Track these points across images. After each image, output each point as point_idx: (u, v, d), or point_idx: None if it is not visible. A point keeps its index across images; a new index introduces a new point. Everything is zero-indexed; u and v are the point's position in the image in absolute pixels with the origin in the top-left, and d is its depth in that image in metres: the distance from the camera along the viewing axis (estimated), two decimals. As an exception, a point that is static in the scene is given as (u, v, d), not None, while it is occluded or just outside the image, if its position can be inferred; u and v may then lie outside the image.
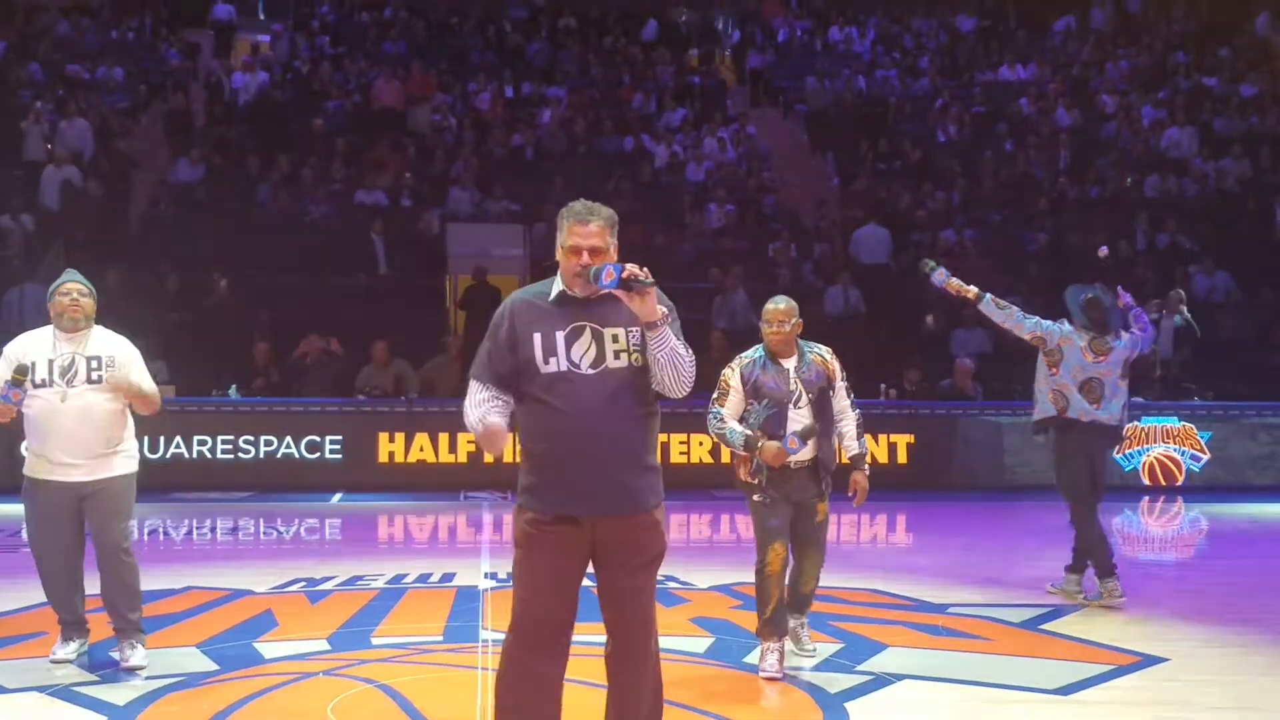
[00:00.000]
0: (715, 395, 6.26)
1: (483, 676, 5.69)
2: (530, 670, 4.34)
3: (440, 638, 6.96)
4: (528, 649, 4.33)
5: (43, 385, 5.94)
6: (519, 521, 4.37)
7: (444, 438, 13.91)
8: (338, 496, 13.39)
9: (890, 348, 16.34)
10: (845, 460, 6.42)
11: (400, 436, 14.01)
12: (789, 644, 6.35)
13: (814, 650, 6.52)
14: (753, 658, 6.40)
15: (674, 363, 4.26)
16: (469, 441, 13.58)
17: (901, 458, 14.51)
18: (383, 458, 14.00)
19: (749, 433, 6.08)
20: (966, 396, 15.20)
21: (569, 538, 4.30)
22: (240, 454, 13.77)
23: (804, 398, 6.13)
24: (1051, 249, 18.98)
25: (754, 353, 6.27)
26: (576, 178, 18.83)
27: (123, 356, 6.13)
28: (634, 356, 4.30)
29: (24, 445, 6.10)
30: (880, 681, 6.03)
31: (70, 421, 5.92)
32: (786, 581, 6.25)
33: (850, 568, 9.08)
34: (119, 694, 5.73)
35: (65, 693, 5.73)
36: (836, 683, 6.04)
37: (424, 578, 8.75)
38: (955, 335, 16.70)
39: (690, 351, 4.32)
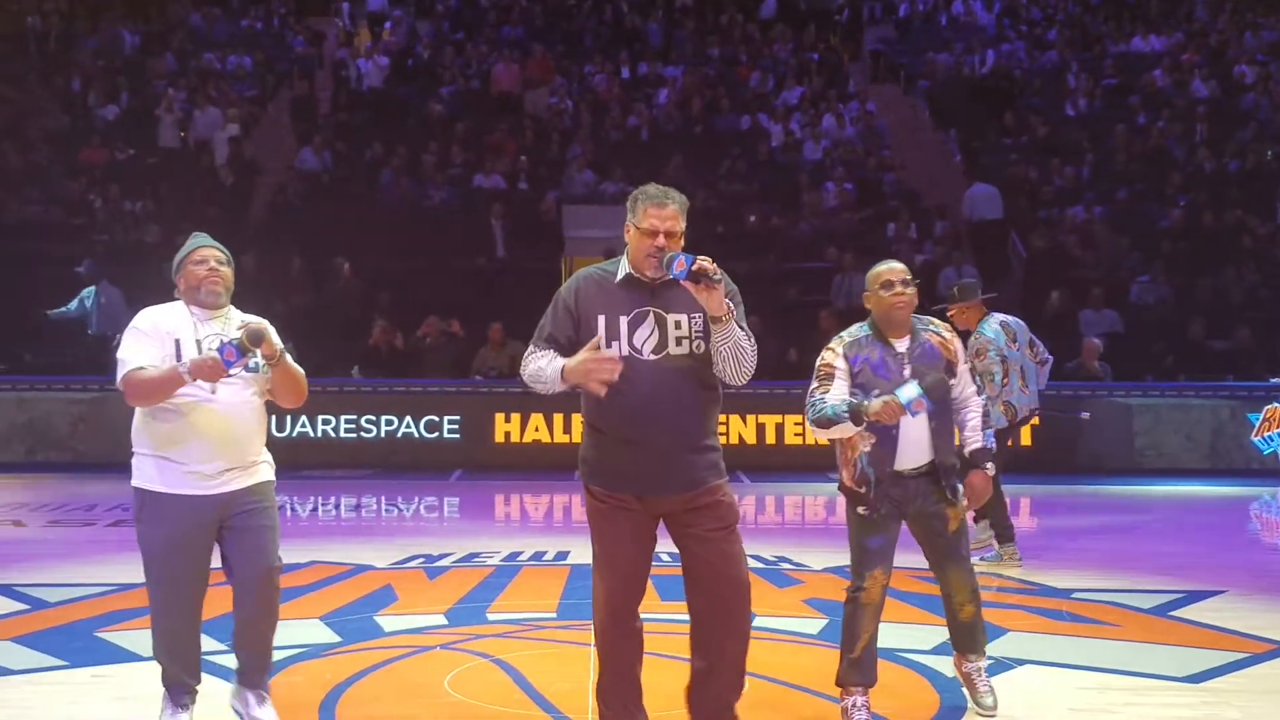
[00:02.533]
0: (815, 384, 5.02)
1: (594, 653, 5.74)
2: (614, 644, 4.52)
3: (554, 614, 7.05)
4: (609, 622, 4.51)
5: None
6: (587, 500, 4.54)
7: (559, 418, 14.04)
8: (456, 475, 13.60)
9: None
10: (967, 454, 5.28)
11: (516, 417, 14.17)
12: (965, 693, 5.36)
13: (994, 707, 5.20)
14: (878, 640, 6.33)
15: (736, 355, 4.34)
16: (584, 422, 13.64)
17: (1025, 440, 14.23)
18: (499, 437, 14.18)
19: (850, 399, 4.89)
20: (1094, 377, 14.84)
21: (633, 513, 4.44)
22: (363, 433, 14.07)
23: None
24: (1186, 225, 18.43)
25: (858, 331, 5.08)
26: (692, 158, 18.83)
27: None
28: (695, 343, 4.38)
29: (139, 451, 4.79)
30: (1000, 666, 5.92)
31: (222, 421, 4.68)
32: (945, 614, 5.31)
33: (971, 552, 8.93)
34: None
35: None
36: (954, 666, 5.94)
37: (538, 555, 8.87)
38: (1083, 315, 16.33)
39: (753, 342, 4.39)
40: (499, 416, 14.19)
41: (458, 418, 14.21)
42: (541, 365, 4.37)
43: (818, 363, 5.08)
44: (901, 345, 5.01)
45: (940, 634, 6.47)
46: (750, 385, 4.51)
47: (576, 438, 13.70)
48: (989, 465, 5.11)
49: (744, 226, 18.19)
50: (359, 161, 19.63)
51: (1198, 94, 21.79)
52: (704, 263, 4.18)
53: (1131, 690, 5.61)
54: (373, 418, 14.12)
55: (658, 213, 4.35)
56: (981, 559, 8.23)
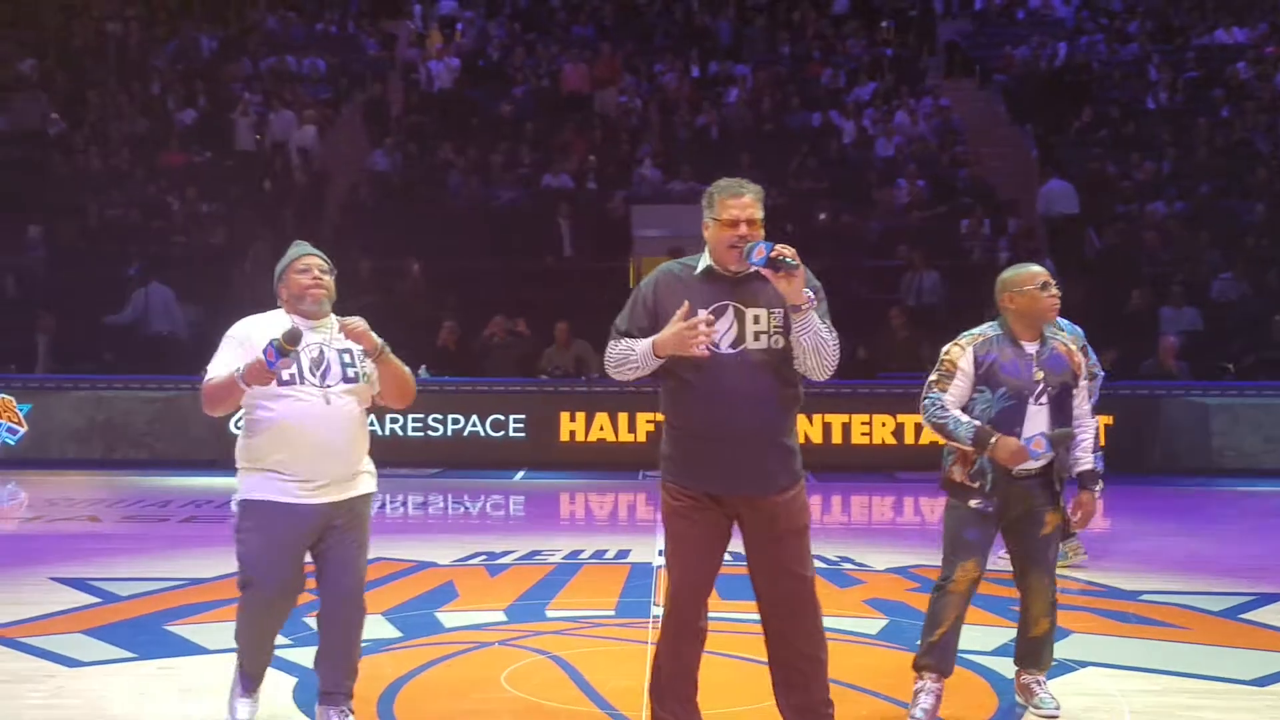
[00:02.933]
0: (934, 378, 5.08)
1: (651, 651, 5.77)
2: (674, 642, 4.54)
3: (612, 612, 7.10)
4: (672, 619, 4.53)
5: (290, 382, 4.66)
6: (663, 495, 4.54)
7: (623, 417, 14.09)
8: (521, 474, 13.71)
9: (1088, 325, 15.83)
10: (1076, 474, 5.25)
11: (581, 416, 14.24)
12: (1016, 697, 5.37)
13: (1056, 708, 5.20)
14: None
15: (817, 347, 4.32)
16: (648, 421, 13.73)
17: (1100, 439, 14.05)
18: (564, 436, 14.26)
19: (980, 425, 4.94)
20: (1171, 376, 14.61)
21: (708, 511, 4.44)
22: (430, 432, 14.21)
23: (1046, 392, 5.01)
24: (1269, 221, 18.07)
25: (989, 329, 5.10)
26: (762, 156, 18.79)
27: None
28: (774, 338, 4.37)
29: (242, 465, 4.80)
30: (1061, 668, 5.86)
31: (331, 431, 4.68)
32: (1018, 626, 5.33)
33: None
34: (309, 656, 5.99)
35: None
36: (1014, 668, 5.91)
37: (599, 554, 8.92)
38: (1162, 313, 16.09)
39: (835, 335, 4.36)
40: (564, 415, 14.27)
41: (523, 417, 14.32)
42: (629, 345, 4.40)
43: (941, 355, 5.13)
44: (1031, 348, 5.06)
45: (1001, 635, 6.46)
46: (817, 384, 4.51)
47: (641, 437, 14.00)
48: (1097, 487, 5.21)
49: (814, 224, 18.12)
50: (429, 163, 19.85)
51: (1282, 86, 21.36)
52: (783, 249, 4.19)
53: (1196, 693, 5.55)
54: (439, 416, 14.26)
55: (735, 202, 4.37)
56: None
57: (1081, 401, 5.14)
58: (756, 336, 4.35)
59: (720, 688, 5.10)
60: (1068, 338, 5.21)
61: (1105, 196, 18.68)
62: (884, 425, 13.88)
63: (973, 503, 5.05)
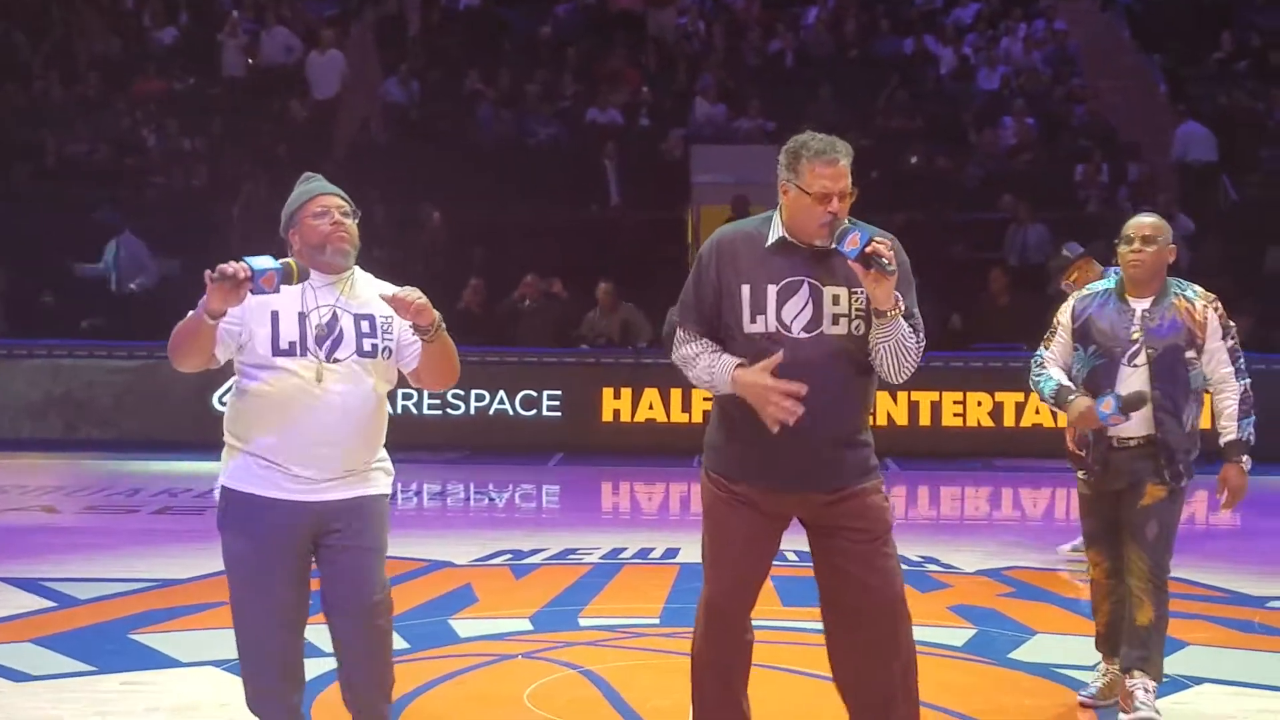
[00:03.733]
0: (1045, 334, 5.60)
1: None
2: (715, 656, 4.55)
3: (656, 620, 7.15)
4: (712, 629, 4.54)
5: (289, 352, 4.28)
6: (706, 486, 4.53)
7: (676, 394, 14.12)
8: (556, 459, 13.77)
9: (1220, 289, 15.69)
10: (1220, 446, 5.46)
11: (626, 392, 14.30)
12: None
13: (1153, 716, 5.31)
14: (1032, 653, 6.43)
15: (897, 354, 4.30)
16: (705, 399, 13.72)
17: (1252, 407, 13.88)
18: (607, 416, 14.33)
19: (1062, 383, 5.39)
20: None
21: (757, 509, 4.43)
22: (449, 410, 14.27)
23: (1144, 352, 5.27)
24: None
25: (1104, 283, 5.55)
26: (845, 89, 18.71)
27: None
28: (855, 323, 4.32)
29: (229, 441, 4.43)
30: (1174, 685, 5.86)
31: (328, 414, 4.27)
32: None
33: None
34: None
35: (241, 667, 6.11)
36: (1117, 687, 5.93)
37: (644, 553, 8.98)
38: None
39: (920, 337, 4.32)
40: (607, 392, 14.33)
41: (559, 393, 14.38)
42: (704, 359, 4.37)
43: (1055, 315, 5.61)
44: (1140, 304, 5.35)
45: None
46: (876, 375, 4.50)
47: (696, 417, 14.04)
48: (1245, 459, 5.36)
49: (904, 170, 18.05)
50: (453, 93, 19.86)
51: None
52: (879, 246, 4.12)
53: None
54: (461, 392, 14.28)
55: (828, 171, 4.25)
56: (1073, 548, 8.50)
57: (1219, 365, 5.33)
58: (835, 320, 4.30)
59: (780, 707, 5.11)
60: (1200, 295, 5.40)
61: (1246, 139, 18.44)
62: (979, 405, 13.82)
63: (1080, 474, 5.54)
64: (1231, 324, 5.40)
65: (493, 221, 17.29)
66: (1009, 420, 13.83)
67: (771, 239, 4.35)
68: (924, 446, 13.37)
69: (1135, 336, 5.29)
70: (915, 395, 13.84)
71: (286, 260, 4.15)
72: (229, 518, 4.37)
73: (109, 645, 6.48)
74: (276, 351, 4.27)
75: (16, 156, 18.41)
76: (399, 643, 6.46)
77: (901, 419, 13.70)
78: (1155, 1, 22.04)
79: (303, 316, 4.29)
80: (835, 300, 4.29)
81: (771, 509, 4.43)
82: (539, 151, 18.66)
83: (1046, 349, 5.53)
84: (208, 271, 4.05)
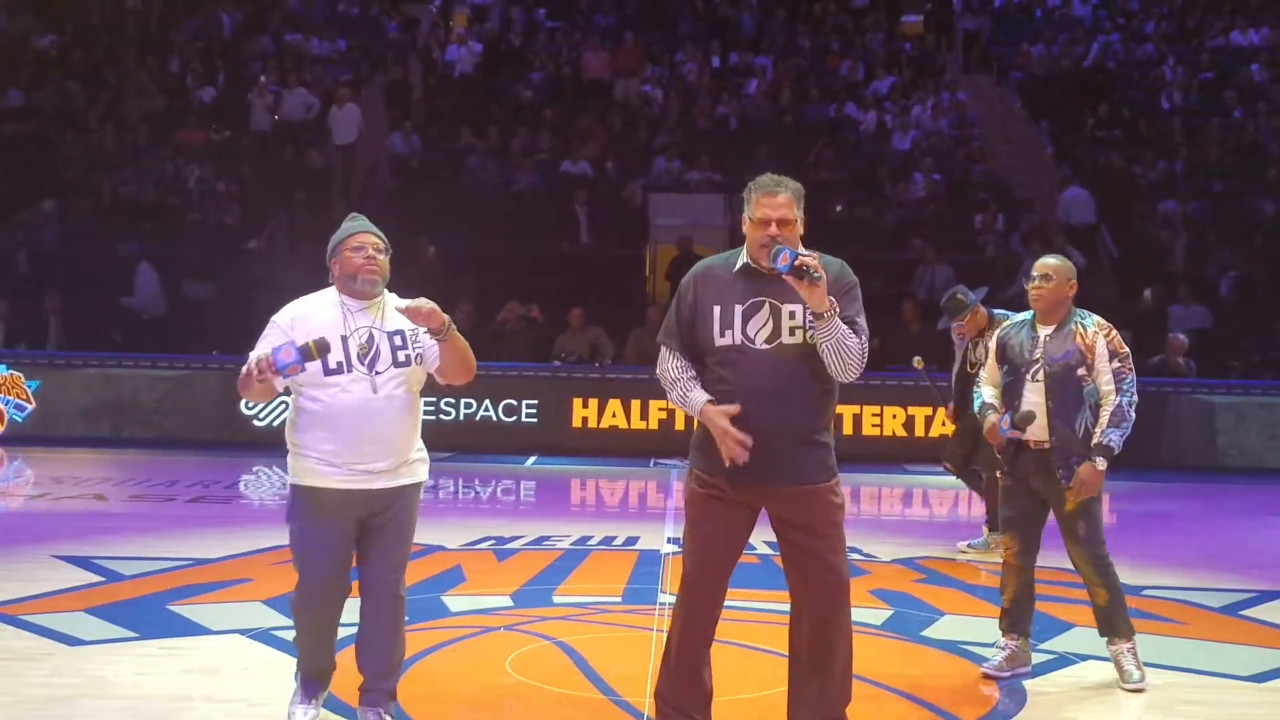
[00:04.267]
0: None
1: (657, 638, 5.77)
2: (685, 635, 4.48)
3: (619, 599, 7.08)
4: (685, 611, 4.48)
5: (338, 371, 4.47)
6: (689, 483, 4.51)
7: (636, 404, 14.08)
8: (532, 459, 13.68)
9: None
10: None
11: (594, 402, 14.23)
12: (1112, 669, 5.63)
13: (1141, 680, 5.47)
14: (941, 632, 6.42)
15: (838, 353, 4.30)
16: (660, 409, 13.72)
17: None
18: (576, 422, 14.25)
19: (986, 400, 5.65)
20: (1179, 374, 14.54)
21: (731, 502, 4.41)
22: (441, 415, 14.17)
23: (1042, 370, 5.43)
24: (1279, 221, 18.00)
25: (1026, 315, 5.66)
26: (780, 147, 18.73)
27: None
28: (811, 334, 4.33)
29: (292, 448, 4.63)
30: (1062, 661, 5.88)
31: (380, 421, 4.51)
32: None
33: (1043, 546, 8.81)
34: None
35: (265, 636, 6.03)
36: (1016, 661, 5.91)
37: (608, 540, 8.91)
38: (1172, 311, 16.02)
39: (861, 339, 4.33)
40: (577, 401, 14.26)
41: (535, 402, 14.30)
42: (680, 388, 4.41)
43: None
44: (1045, 331, 5.52)
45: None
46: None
47: (653, 424, 14.00)
48: (1099, 460, 5.37)
49: (830, 217, 18.06)
50: (448, 146, 19.81)
51: (1295, 88, 21.24)
52: (806, 259, 4.16)
53: (1195, 688, 5.53)
54: (451, 400, 14.22)
55: (769, 201, 4.34)
56: (969, 545, 8.60)
57: (1104, 382, 5.41)
58: (792, 332, 4.33)
59: (725, 675, 5.06)
60: (1093, 324, 5.48)
61: (1119, 195, 18.58)
62: (894, 418, 13.86)
63: (998, 473, 5.71)
64: (1124, 350, 5.47)
65: (480, 255, 17.21)
66: (919, 431, 13.86)
67: (737, 267, 4.43)
68: (847, 453, 13.20)
69: (1036, 357, 5.46)
70: (840, 409, 13.79)
71: (305, 344, 4.31)
72: (295, 509, 4.61)
73: (150, 615, 6.41)
74: (327, 372, 4.45)
75: (76, 194, 18.26)
76: (399, 616, 6.46)
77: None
78: (1042, 77, 22.19)
79: (345, 340, 4.49)
80: (792, 315, 4.33)
81: (741, 501, 4.41)
82: (520, 197, 18.60)
83: (984, 371, 5.79)
84: (245, 370, 4.34)
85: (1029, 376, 5.48)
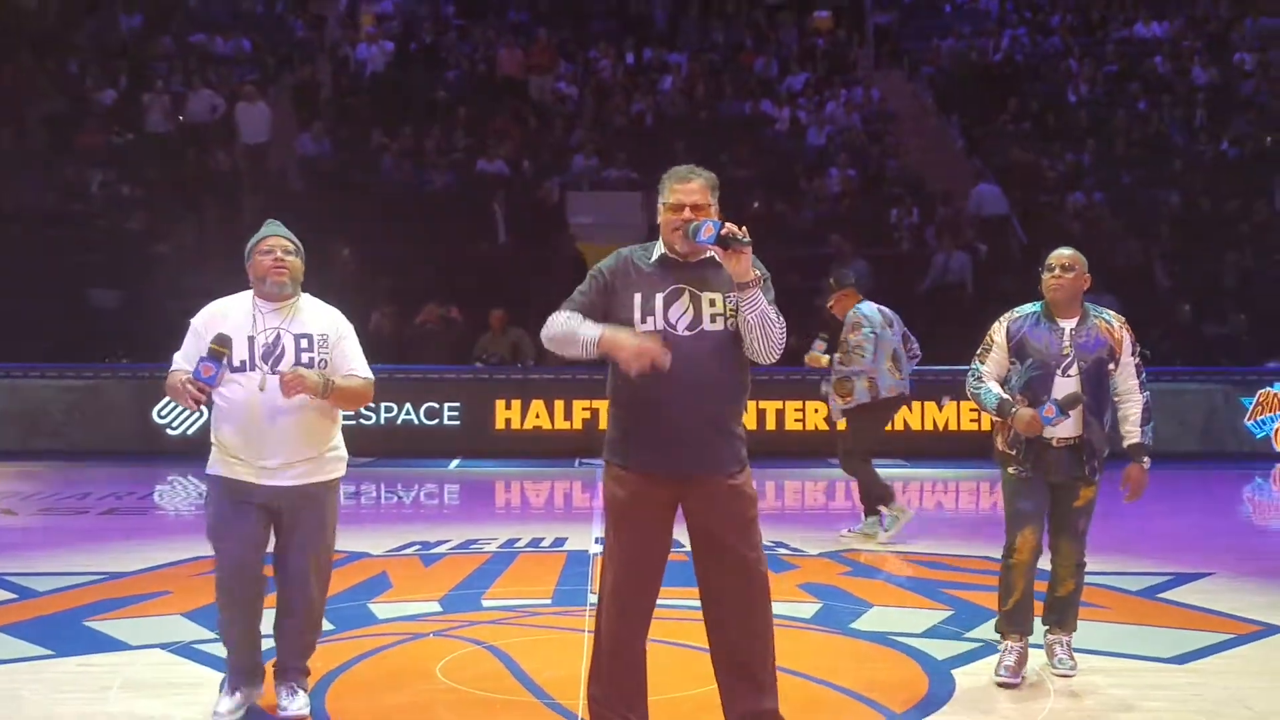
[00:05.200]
0: (979, 350, 5.56)
1: (588, 639, 5.76)
2: (619, 642, 4.46)
3: (549, 600, 7.07)
4: (616, 617, 4.46)
5: (240, 369, 4.68)
6: (606, 479, 4.49)
7: (559, 405, 14.04)
8: (456, 462, 13.59)
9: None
10: (1125, 448, 5.55)
11: (516, 403, 14.17)
12: (1043, 657, 5.69)
13: (1072, 668, 5.59)
14: (870, 623, 6.43)
15: (764, 326, 4.31)
16: (584, 408, 13.70)
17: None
18: (500, 424, 14.18)
19: (1005, 396, 5.41)
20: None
21: (652, 498, 4.39)
22: (362, 420, 14.00)
23: (1075, 365, 5.34)
24: (1185, 210, 18.42)
25: (1030, 307, 5.51)
26: (696, 144, 18.76)
27: (337, 333, 4.88)
28: (730, 321, 4.37)
29: (213, 438, 4.84)
30: (989, 649, 5.95)
31: (276, 417, 4.69)
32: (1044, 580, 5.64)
33: (963, 535, 8.98)
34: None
35: (186, 650, 5.93)
36: (944, 649, 6.00)
37: (536, 542, 8.88)
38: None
39: (782, 319, 4.36)
40: (499, 403, 14.19)
41: (458, 404, 14.21)
42: (575, 326, 4.32)
43: (987, 333, 5.57)
44: (1067, 324, 5.40)
45: (931, 618, 6.54)
46: (750, 371, 4.52)
47: (577, 425, 13.96)
48: (1145, 459, 5.40)
49: (747, 213, 18.12)
50: (361, 147, 19.59)
51: (1197, 80, 21.74)
52: (731, 227, 4.21)
53: (1117, 671, 5.64)
54: (372, 405, 13.97)
55: (682, 188, 4.42)
56: (849, 531, 8.86)
57: (1128, 377, 5.41)
58: (713, 319, 4.36)
59: (659, 673, 5.06)
60: (1113, 317, 5.45)
61: (1029, 188, 18.89)
62: (816, 412, 13.93)
63: (1011, 469, 5.45)
64: (1138, 344, 5.48)
65: (396, 257, 17.08)
66: (842, 425, 13.92)
67: (655, 257, 4.46)
68: (770, 448, 13.36)
69: (1067, 351, 5.35)
70: (763, 404, 13.92)
71: (211, 347, 4.62)
72: (209, 496, 4.88)
73: (66, 631, 6.28)
74: (233, 370, 4.69)
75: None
76: (324, 625, 6.36)
77: (750, 424, 13.71)
78: (953, 72, 22.48)
79: (251, 340, 4.72)
80: (712, 303, 4.37)
81: (663, 497, 4.40)
82: (436, 197, 18.47)
83: (983, 364, 5.52)
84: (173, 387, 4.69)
85: (1059, 372, 5.35)
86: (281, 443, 4.70)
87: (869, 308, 8.84)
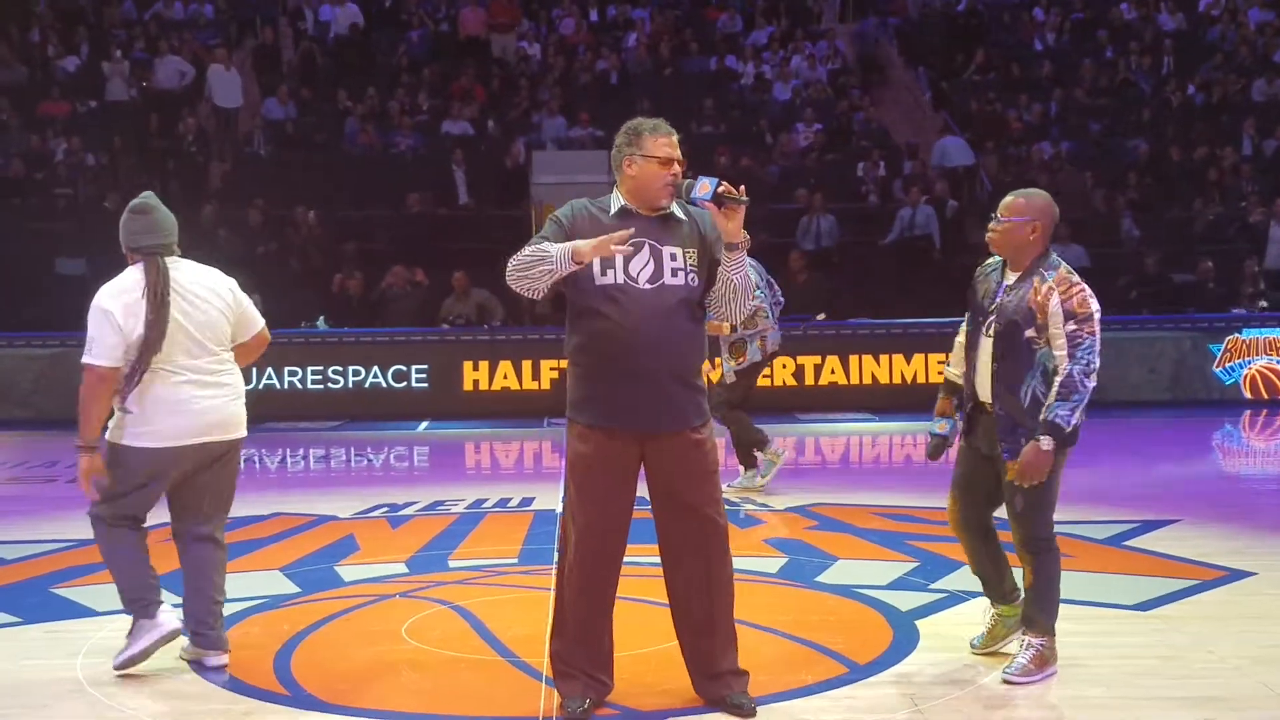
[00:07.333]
0: None
1: (553, 597, 5.77)
2: (583, 598, 4.47)
3: (515, 560, 7.08)
4: (581, 574, 4.46)
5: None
6: (570, 437, 4.47)
7: (527, 365, 14.00)
8: (424, 424, 13.54)
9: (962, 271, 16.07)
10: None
11: (484, 365, 14.10)
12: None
13: (1019, 674, 4.89)
14: (835, 577, 6.51)
15: (743, 288, 4.36)
16: (552, 369, 13.67)
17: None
18: (467, 386, 14.11)
19: (947, 378, 5.14)
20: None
21: (617, 451, 4.38)
22: (329, 384, 13.98)
23: (993, 325, 4.79)
24: (1153, 159, 18.45)
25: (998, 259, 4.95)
26: (662, 101, 18.68)
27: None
28: (690, 276, 4.35)
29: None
30: (953, 599, 6.01)
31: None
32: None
33: (929, 487, 8.97)
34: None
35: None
36: (909, 600, 6.03)
37: (503, 502, 8.87)
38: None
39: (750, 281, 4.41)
40: (467, 365, 14.13)
41: (425, 367, 14.14)
42: (546, 246, 4.24)
43: None
44: (1010, 278, 4.80)
45: (896, 570, 6.57)
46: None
47: (545, 385, 13.93)
48: (1044, 439, 4.63)
49: (714, 169, 18.06)
50: (325, 110, 19.43)
51: (1164, 27, 21.74)
52: (727, 185, 4.21)
53: (1082, 619, 5.66)
54: (339, 368, 14.01)
55: (667, 140, 4.38)
56: (729, 485, 8.71)
57: (1055, 349, 4.66)
58: (674, 273, 4.34)
59: (624, 629, 5.07)
60: (1054, 278, 4.68)
61: (996, 139, 18.88)
62: (784, 367, 13.93)
63: (934, 427, 5.10)
64: (1085, 310, 4.65)
65: (361, 220, 16.98)
66: (809, 380, 14.00)
67: (614, 209, 4.42)
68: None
69: (991, 308, 4.80)
70: (731, 362, 13.87)
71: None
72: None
73: (33, 599, 6.27)
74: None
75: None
76: (291, 587, 6.39)
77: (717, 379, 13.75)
78: (919, 24, 22.41)
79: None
80: (673, 258, 4.35)
81: (626, 453, 4.38)
82: (400, 159, 18.35)
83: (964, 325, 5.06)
84: None
85: (984, 330, 4.84)
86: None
87: (754, 270, 8.70)
